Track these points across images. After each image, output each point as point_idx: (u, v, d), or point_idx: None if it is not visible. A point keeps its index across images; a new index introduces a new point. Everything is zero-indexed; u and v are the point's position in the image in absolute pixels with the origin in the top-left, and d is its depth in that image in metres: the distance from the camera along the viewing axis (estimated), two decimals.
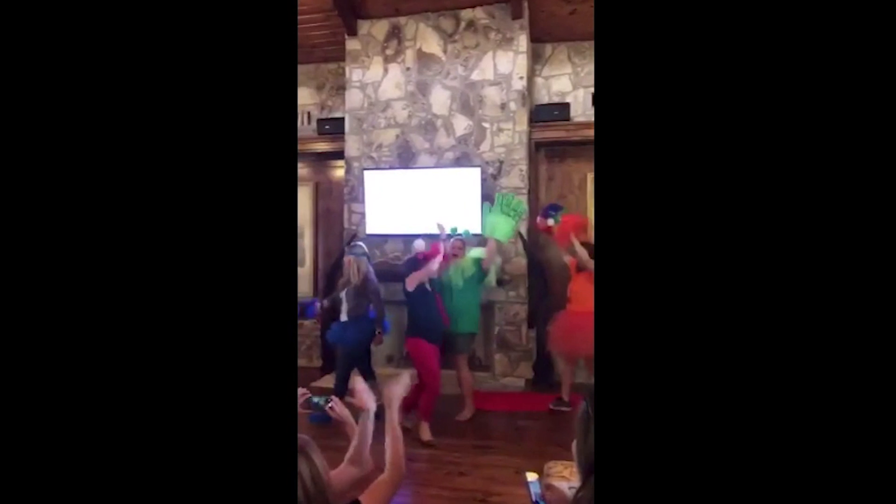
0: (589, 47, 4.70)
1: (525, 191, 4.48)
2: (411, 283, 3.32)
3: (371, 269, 3.59)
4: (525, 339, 4.50)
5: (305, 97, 5.46)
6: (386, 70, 4.76)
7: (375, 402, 1.56)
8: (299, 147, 5.16)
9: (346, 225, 4.88)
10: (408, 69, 4.70)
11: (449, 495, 2.62)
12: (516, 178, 4.48)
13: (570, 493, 1.32)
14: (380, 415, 1.52)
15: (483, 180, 4.41)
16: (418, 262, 3.43)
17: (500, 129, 4.54)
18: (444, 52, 4.63)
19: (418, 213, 4.52)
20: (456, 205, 4.42)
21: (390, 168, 4.69)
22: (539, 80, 4.89)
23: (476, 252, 3.79)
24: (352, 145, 4.84)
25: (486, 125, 4.56)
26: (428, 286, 3.39)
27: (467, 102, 4.59)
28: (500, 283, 4.26)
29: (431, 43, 4.66)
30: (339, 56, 5.00)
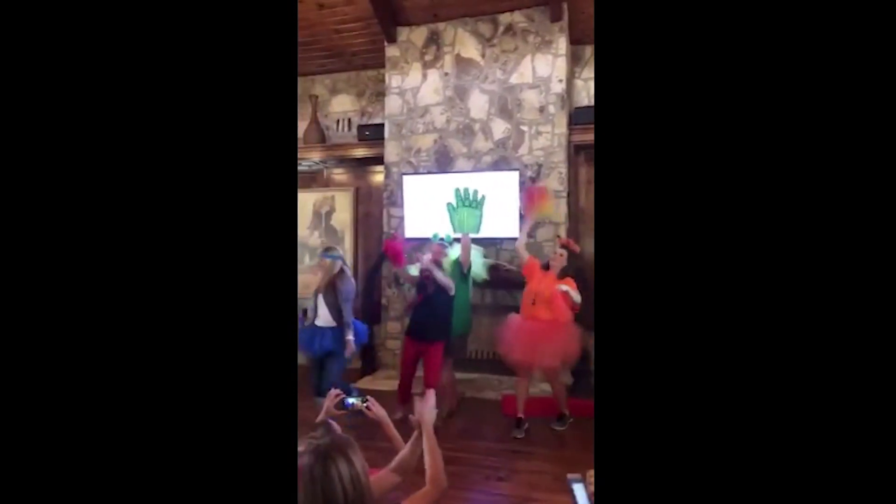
0: None
1: (565, 194, 4.43)
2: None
3: (347, 272, 3.36)
4: None
5: (346, 104, 5.58)
6: (425, 76, 4.81)
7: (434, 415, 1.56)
8: (340, 153, 5.27)
9: (385, 229, 4.94)
10: (446, 74, 4.74)
11: (488, 500, 2.61)
12: (555, 181, 4.44)
13: None
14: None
15: (521, 183, 4.39)
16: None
17: (539, 133, 4.51)
18: (483, 56, 4.64)
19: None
20: (494, 208, 4.41)
21: (428, 172, 4.73)
22: (578, 83, 4.84)
23: (454, 253, 3.77)
24: (391, 150, 4.90)
25: (525, 128, 4.54)
26: (429, 288, 3.43)
27: (505, 106, 4.58)
28: (490, 281, 4.13)
29: (470, 48, 4.68)
30: (379, 63, 5.09)
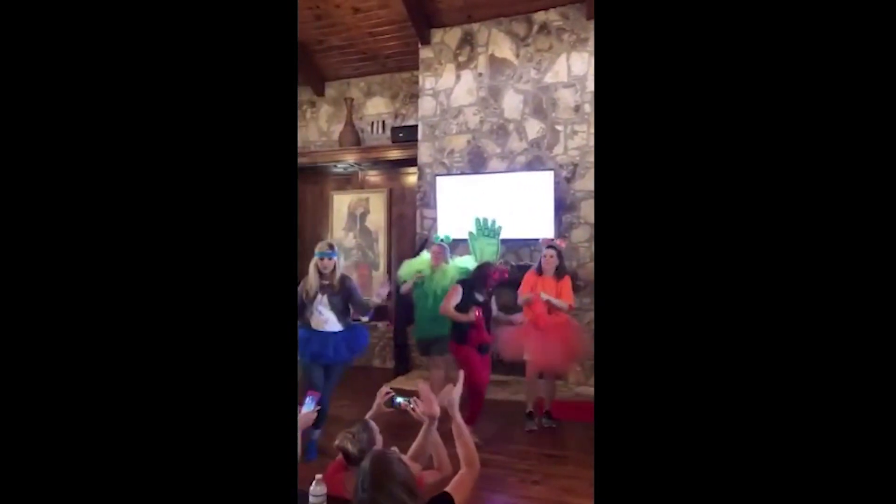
0: None
1: None
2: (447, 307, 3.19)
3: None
4: None
5: (380, 106, 5.63)
6: (458, 77, 4.81)
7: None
8: (375, 155, 5.33)
9: (418, 230, 4.96)
10: (480, 75, 4.73)
11: (523, 503, 2.57)
12: (591, 181, 4.36)
13: None
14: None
15: (556, 184, 4.33)
16: (480, 272, 3.32)
17: (574, 132, 4.44)
18: (517, 56, 4.61)
19: (490, 218, 4.51)
20: (528, 209, 4.37)
21: (462, 173, 4.73)
22: None
23: (464, 261, 3.81)
24: (424, 152, 4.92)
25: (560, 128, 4.48)
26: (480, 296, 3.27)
27: (540, 106, 4.54)
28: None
29: (504, 48, 4.65)
30: (413, 65, 5.12)
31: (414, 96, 5.25)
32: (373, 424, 1.76)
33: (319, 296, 3.00)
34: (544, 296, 3.31)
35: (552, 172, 4.36)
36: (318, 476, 1.53)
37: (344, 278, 3.07)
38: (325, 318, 3.01)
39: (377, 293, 3.24)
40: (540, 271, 3.46)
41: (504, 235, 4.19)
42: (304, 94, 5.90)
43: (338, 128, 5.62)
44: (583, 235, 4.35)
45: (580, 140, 4.41)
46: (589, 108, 4.39)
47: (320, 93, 5.88)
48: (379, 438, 1.72)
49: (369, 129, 5.63)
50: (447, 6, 4.61)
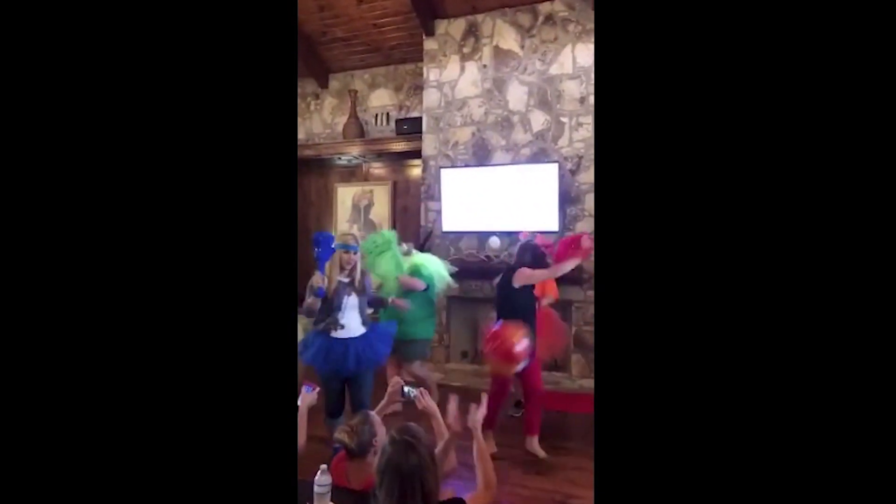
0: None
1: None
2: (522, 279, 2.91)
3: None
4: None
5: (384, 98, 5.61)
6: (462, 68, 4.78)
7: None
8: (379, 147, 5.32)
9: (422, 222, 4.96)
10: (484, 66, 4.70)
11: (528, 494, 2.59)
12: None
13: None
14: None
15: (561, 176, 4.31)
16: (535, 251, 3.06)
17: (580, 124, 4.41)
18: (522, 47, 4.58)
19: (494, 211, 4.51)
20: (533, 201, 4.36)
21: (466, 166, 4.72)
22: None
23: (419, 258, 3.61)
24: (429, 144, 4.91)
25: (565, 120, 4.46)
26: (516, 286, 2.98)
27: (545, 97, 4.51)
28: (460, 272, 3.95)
29: (508, 39, 4.62)
30: (417, 57, 5.09)
31: (418, 88, 5.23)
32: (374, 417, 1.74)
33: (346, 297, 2.60)
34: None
35: (557, 165, 4.35)
36: (324, 466, 1.53)
37: (364, 274, 2.72)
38: (347, 322, 2.60)
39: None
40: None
41: (508, 228, 4.19)
42: (308, 87, 5.88)
43: (342, 120, 5.61)
44: (587, 228, 4.33)
45: (585, 132, 4.39)
46: (594, 100, 4.35)
47: (324, 85, 5.87)
48: (381, 431, 1.70)
49: (373, 121, 5.61)
50: None
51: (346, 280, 2.63)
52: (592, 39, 4.35)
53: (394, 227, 5.59)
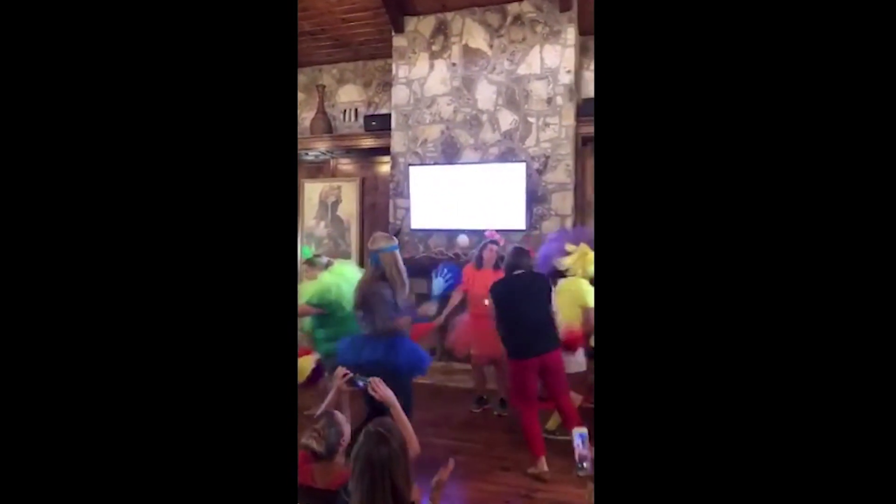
0: None
1: (571, 186, 4.41)
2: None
3: None
4: None
5: (353, 94, 5.56)
6: (432, 66, 4.78)
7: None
8: (347, 143, 5.27)
9: (391, 220, 4.94)
10: (453, 65, 4.71)
11: (493, 489, 2.62)
12: (562, 173, 4.42)
13: None
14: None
15: (528, 175, 4.37)
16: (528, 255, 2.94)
17: (547, 124, 4.48)
18: (491, 46, 4.61)
19: (463, 209, 4.53)
20: (501, 199, 4.40)
21: (435, 164, 4.72)
22: (587, 74, 4.79)
23: (330, 277, 3.26)
24: (397, 141, 4.89)
25: (532, 120, 4.51)
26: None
27: (513, 97, 4.55)
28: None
29: (478, 38, 4.64)
30: (386, 53, 5.06)
31: (387, 85, 5.20)
32: (339, 416, 1.72)
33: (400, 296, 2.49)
34: (486, 301, 3.29)
35: (524, 164, 4.40)
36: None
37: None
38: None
39: None
40: (480, 264, 3.57)
41: (476, 226, 4.23)
42: None
43: (309, 115, 5.52)
44: (553, 227, 4.40)
45: (552, 132, 4.46)
46: (561, 101, 4.43)
47: None
48: (347, 430, 1.68)
49: (341, 116, 5.55)
50: None
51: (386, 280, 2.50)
52: (559, 41, 4.42)
53: (362, 224, 5.56)
